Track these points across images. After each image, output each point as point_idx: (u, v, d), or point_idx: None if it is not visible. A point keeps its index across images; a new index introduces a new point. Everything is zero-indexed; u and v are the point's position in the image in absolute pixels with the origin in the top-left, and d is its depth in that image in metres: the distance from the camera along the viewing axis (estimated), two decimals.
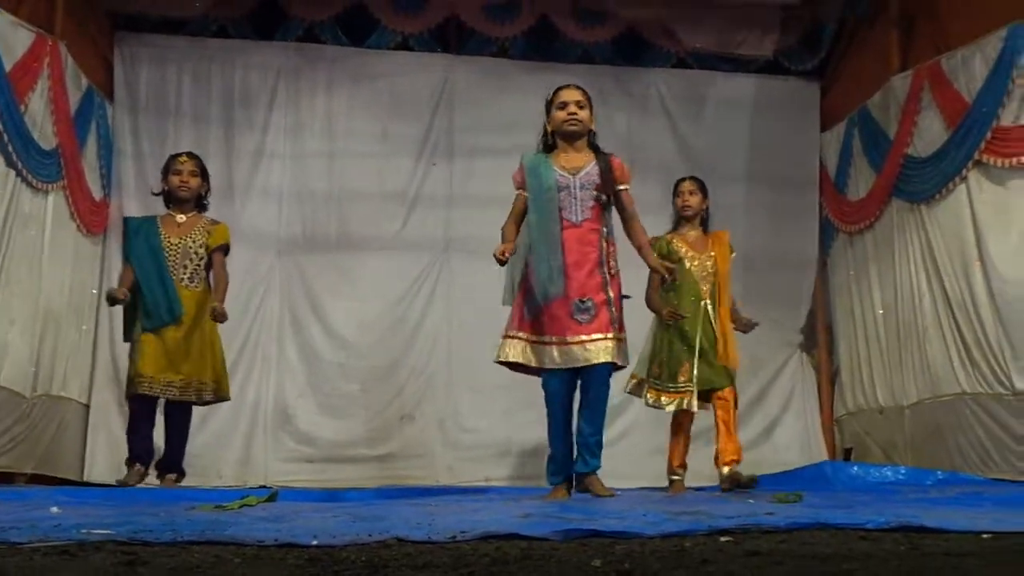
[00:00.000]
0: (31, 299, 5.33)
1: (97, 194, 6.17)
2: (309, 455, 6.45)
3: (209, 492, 4.35)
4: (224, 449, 6.29)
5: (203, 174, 5.25)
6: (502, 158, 6.73)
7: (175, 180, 5.15)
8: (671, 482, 5.09)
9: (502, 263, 4.03)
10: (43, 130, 5.36)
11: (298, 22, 6.74)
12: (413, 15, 6.76)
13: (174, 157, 5.27)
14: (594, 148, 4.26)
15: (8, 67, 4.92)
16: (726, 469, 4.97)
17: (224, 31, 6.78)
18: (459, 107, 6.94)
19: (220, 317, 5.05)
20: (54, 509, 2.82)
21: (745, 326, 5.22)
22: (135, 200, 6.36)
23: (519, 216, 4.19)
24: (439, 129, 6.92)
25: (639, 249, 4.26)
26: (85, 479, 6.00)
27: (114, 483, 5.09)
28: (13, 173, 5.07)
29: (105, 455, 6.10)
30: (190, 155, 5.27)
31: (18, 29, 5.10)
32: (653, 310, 5.08)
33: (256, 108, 6.77)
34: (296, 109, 6.83)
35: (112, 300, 5.02)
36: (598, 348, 4.00)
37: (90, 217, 6.01)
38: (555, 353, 4.03)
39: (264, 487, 5.46)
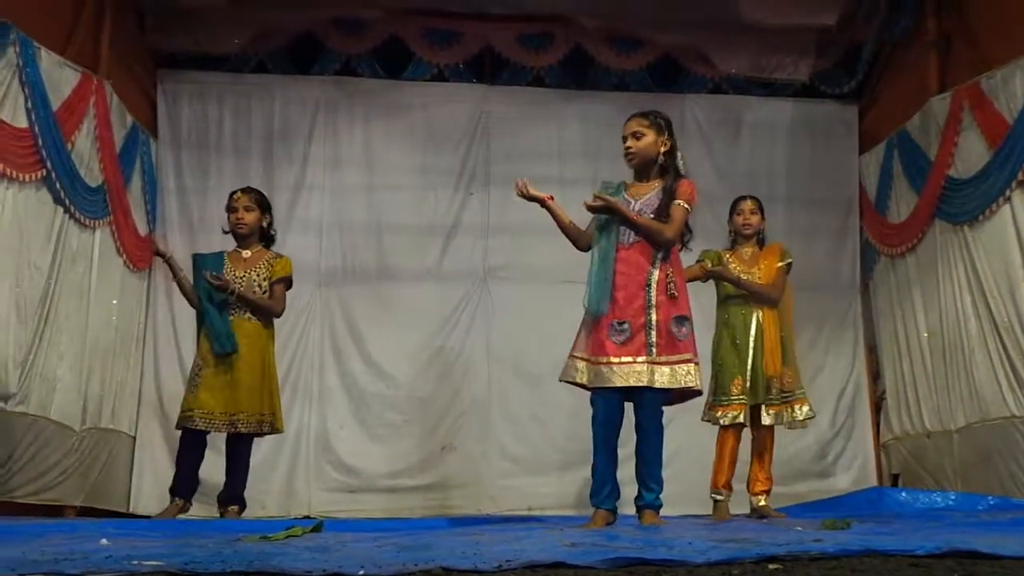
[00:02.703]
0: (79, 334, 5.42)
1: (143, 229, 6.27)
2: (352, 485, 6.48)
3: (254, 523, 4.36)
4: (267, 480, 6.31)
5: (262, 206, 5.16)
6: (538, 186, 6.76)
7: (232, 218, 5.11)
8: (714, 503, 4.96)
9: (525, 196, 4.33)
10: (90, 168, 5.46)
11: (335, 55, 6.84)
12: (448, 47, 6.83)
13: (231, 194, 5.19)
14: (666, 171, 4.17)
15: (56, 106, 5.02)
16: (754, 500, 4.94)
17: (263, 66, 6.90)
18: (495, 137, 6.99)
19: (216, 280, 4.88)
20: (104, 541, 2.83)
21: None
22: (179, 235, 6.47)
23: (587, 231, 4.26)
24: (476, 159, 6.96)
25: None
26: (131, 511, 6.06)
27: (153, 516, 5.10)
28: (61, 210, 5.16)
29: (151, 487, 6.16)
30: (245, 190, 5.18)
31: (64, 69, 5.20)
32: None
33: (295, 141, 6.87)
34: (335, 142, 6.91)
35: (156, 252, 5.45)
36: (626, 371, 3.96)
37: (136, 252, 6.10)
38: (592, 372, 4.03)
39: (308, 518, 5.47)
